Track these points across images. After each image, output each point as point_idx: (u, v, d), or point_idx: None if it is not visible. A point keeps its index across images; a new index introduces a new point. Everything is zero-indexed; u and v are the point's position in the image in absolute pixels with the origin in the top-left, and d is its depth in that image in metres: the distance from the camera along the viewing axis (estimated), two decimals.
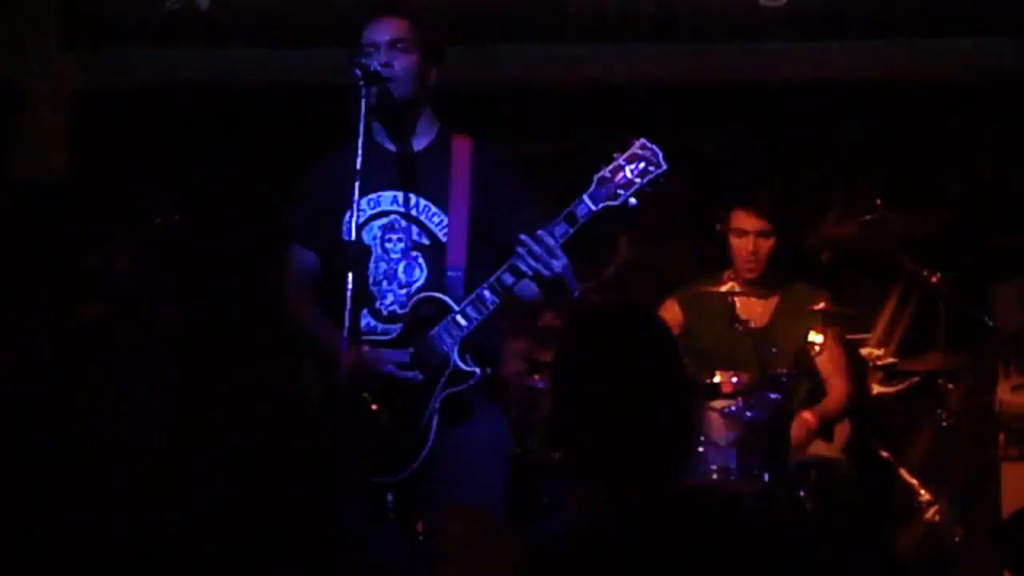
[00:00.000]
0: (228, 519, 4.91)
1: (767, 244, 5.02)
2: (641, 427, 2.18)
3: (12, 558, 4.25)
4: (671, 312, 5.09)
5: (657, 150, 3.38)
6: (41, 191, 4.78)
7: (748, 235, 5.01)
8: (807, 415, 4.88)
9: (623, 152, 3.39)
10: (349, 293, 3.32)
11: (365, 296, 3.51)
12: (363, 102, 3.46)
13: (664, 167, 3.37)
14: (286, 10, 5.23)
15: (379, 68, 3.51)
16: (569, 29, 5.30)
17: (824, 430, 5.01)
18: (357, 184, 3.39)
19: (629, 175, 3.37)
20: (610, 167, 3.38)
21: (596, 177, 3.39)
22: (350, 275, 3.34)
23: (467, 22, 5.28)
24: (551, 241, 3.37)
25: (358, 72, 3.48)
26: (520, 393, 5.04)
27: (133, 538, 4.65)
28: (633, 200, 3.37)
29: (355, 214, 3.41)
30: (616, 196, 3.37)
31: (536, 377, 5.08)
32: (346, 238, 3.47)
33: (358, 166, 3.39)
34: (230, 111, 5.48)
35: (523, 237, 3.38)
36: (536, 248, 3.37)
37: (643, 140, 3.40)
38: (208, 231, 5.56)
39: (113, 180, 5.40)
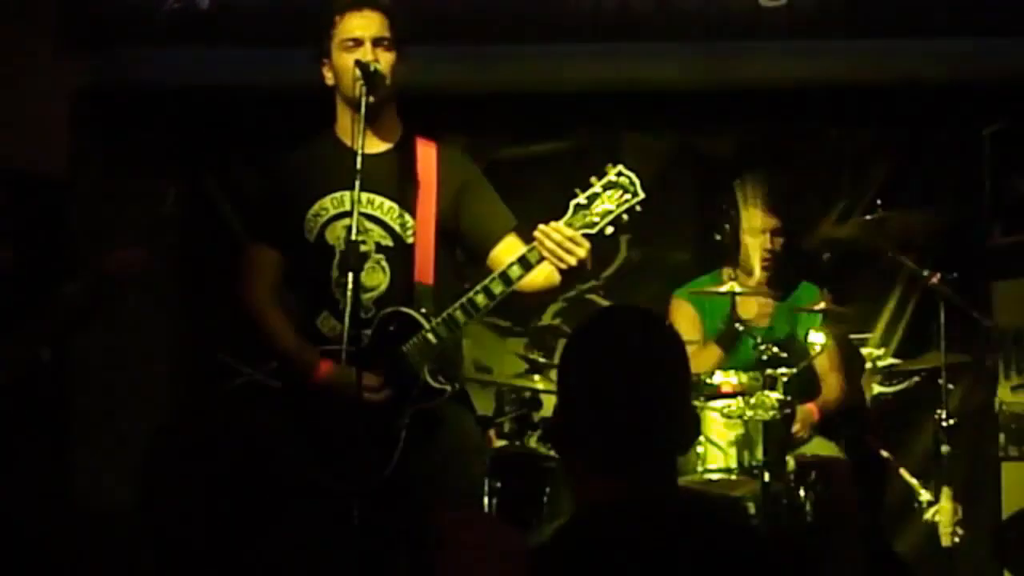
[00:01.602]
0: (216, 518, 4.90)
1: (780, 242, 5.02)
2: (644, 428, 2.18)
3: (11, 558, 4.25)
4: (685, 310, 5.05)
5: (635, 178, 3.30)
6: (42, 185, 4.77)
7: (764, 233, 5.01)
8: (810, 406, 4.89)
9: (600, 177, 3.32)
10: (349, 299, 3.27)
11: (329, 299, 3.46)
12: (363, 102, 3.44)
13: (641, 195, 3.29)
14: (286, 10, 5.23)
15: (379, 68, 3.48)
16: (569, 29, 5.30)
17: (824, 427, 5.02)
18: (358, 183, 3.36)
19: (606, 203, 3.30)
20: (586, 194, 3.31)
21: (573, 204, 3.31)
22: (350, 278, 3.30)
23: (466, 22, 5.28)
24: (567, 231, 3.29)
25: (358, 71, 3.46)
26: (520, 393, 5.04)
27: (130, 537, 4.65)
28: (610, 228, 3.32)
29: (355, 216, 3.35)
30: (592, 224, 3.30)
31: (536, 377, 5.08)
32: (346, 242, 3.45)
33: (358, 167, 3.36)
34: (230, 111, 5.48)
35: (542, 228, 3.31)
36: (555, 236, 3.30)
37: (620, 167, 3.32)
38: (207, 231, 5.56)
39: (113, 180, 5.40)
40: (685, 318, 5.00)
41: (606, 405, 2.17)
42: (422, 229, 3.56)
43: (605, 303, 5.62)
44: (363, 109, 3.42)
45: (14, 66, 5.30)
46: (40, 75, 5.33)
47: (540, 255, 3.34)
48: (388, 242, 3.57)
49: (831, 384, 5.06)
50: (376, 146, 3.61)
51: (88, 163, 5.36)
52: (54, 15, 5.37)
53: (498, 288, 3.40)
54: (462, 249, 3.65)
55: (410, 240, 3.56)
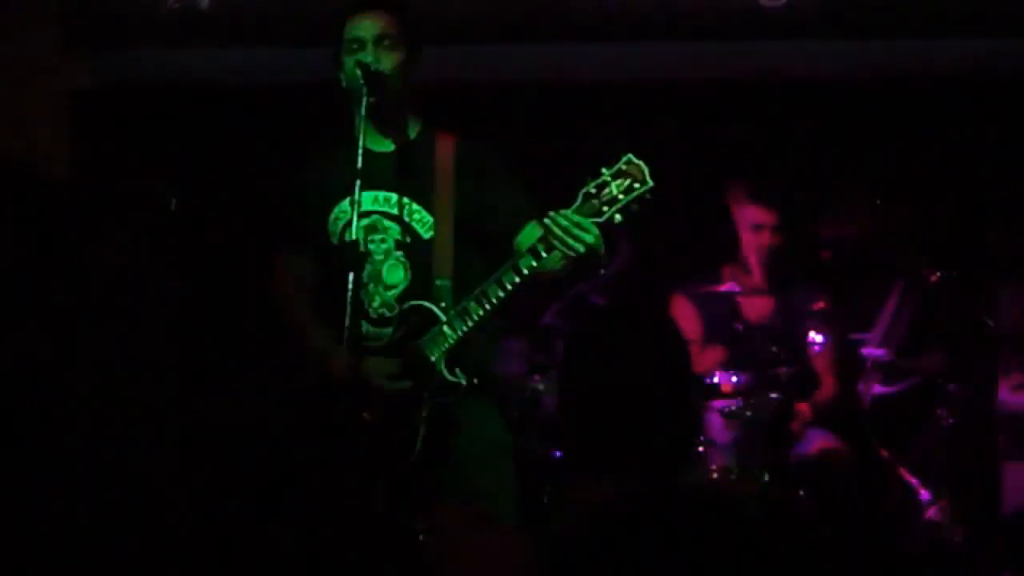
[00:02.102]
0: (223, 516, 4.91)
1: (779, 239, 5.04)
2: (646, 427, 2.18)
3: (11, 559, 4.25)
4: (684, 309, 5.07)
5: (644, 166, 3.30)
6: (42, 184, 4.78)
7: (764, 230, 5.03)
8: (802, 406, 4.91)
9: (610, 167, 3.32)
10: (349, 295, 3.31)
11: (353, 299, 3.47)
12: (363, 102, 3.46)
13: (650, 184, 3.28)
14: (286, 10, 5.23)
15: (379, 67, 3.49)
16: (569, 29, 5.30)
17: (821, 421, 5.04)
18: (358, 184, 3.38)
19: (615, 191, 3.29)
20: (596, 182, 3.31)
21: (582, 192, 3.31)
22: (350, 277, 3.32)
23: (467, 22, 5.28)
24: (574, 217, 3.30)
25: (358, 72, 3.47)
26: (520, 393, 5.04)
27: (130, 538, 4.65)
28: (618, 217, 3.30)
29: (355, 215, 3.38)
30: (601, 212, 3.29)
31: (536, 377, 5.08)
32: (347, 240, 3.49)
33: (359, 165, 3.38)
34: (230, 111, 5.48)
35: (550, 215, 3.32)
36: (562, 223, 3.30)
37: (630, 156, 3.32)
38: (208, 231, 5.56)
39: (113, 180, 5.40)
40: (685, 317, 5.02)
41: (607, 405, 2.18)
42: (441, 224, 3.56)
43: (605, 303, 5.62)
44: (363, 108, 3.44)
45: (15, 66, 5.31)
46: (40, 75, 5.34)
47: (550, 244, 3.35)
48: (407, 239, 3.57)
49: (825, 385, 5.07)
50: (389, 144, 3.63)
51: (88, 163, 5.37)
52: (55, 15, 5.38)
53: (511, 280, 3.41)
54: (488, 240, 3.64)
55: (428, 236, 3.57)
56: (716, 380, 4.74)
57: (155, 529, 4.79)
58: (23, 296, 4.35)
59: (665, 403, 2.21)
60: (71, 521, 4.44)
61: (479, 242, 3.59)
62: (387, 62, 3.53)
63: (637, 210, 3.31)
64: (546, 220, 3.33)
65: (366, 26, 3.55)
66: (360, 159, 3.37)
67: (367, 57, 3.51)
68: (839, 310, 5.06)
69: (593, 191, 3.32)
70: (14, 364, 4.25)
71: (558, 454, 4.91)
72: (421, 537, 3.56)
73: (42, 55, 5.35)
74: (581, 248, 3.31)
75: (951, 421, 4.90)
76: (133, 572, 4.57)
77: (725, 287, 4.99)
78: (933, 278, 4.96)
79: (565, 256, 3.34)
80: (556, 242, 3.32)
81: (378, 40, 3.54)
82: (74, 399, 4.69)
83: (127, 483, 4.84)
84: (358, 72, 3.47)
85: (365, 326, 3.52)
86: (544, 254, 3.36)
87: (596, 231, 3.30)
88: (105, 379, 5.50)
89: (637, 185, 3.30)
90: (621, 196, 3.30)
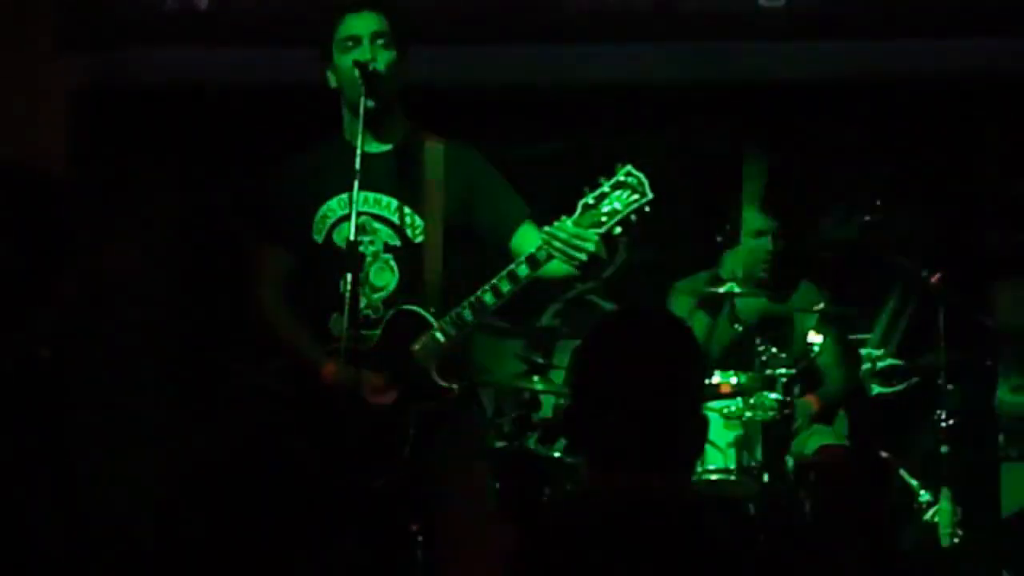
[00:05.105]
0: (221, 519, 4.92)
1: (781, 244, 5.05)
2: (655, 430, 2.18)
3: (11, 559, 4.26)
4: (683, 303, 5.07)
5: (644, 178, 3.29)
6: (41, 184, 4.78)
7: (765, 235, 5.03)
8: (809, 397, 4.92)
9: (609, 177, 3.31)
10: (348, 297, 3.29)
11: (339, 300, 3.42)
12: (361, 102, 3.45)
13: (650, 196, 3.28)
14: (286, 10, 5.23)
15: (376, 66, 3.48)
16: (569, 29, 5.30)
17: (825, 416, 5.04)
18: (357, 184, 3.37)
19: (615, 203, 3.29)
20: (595, 193, 3.30)
21: (580, 203, 3.31)
22: (348, 277, 3.32)
23: (467, 23, 5.28)
24: (574, 228, 3.30)
25: (355, 70, 3.47)
26: (519, 394, 5.04)
27: (131, 538, 4.66)
28: (618, 229, 3.31)
29: (353, 215, 3.37)
30: (600, 224, 3.29)
31: (535, 378, 5.08)
32: (336, 240, 3.50)
33: (357, 167, 3.37)
34: (230, 111, 5.48)
35: (546, 230, 3.33)
36: (562, 235, 3.30)
37: (629, 167, 3.31)
38: (207, 231, 5.56)
39: (112, 180, 5.40)
40: (683, 311, 5.02)
41: (620, 406, 2.17)
42: (430, 228, 3.54)
43: (604, 303, 5.62)
44: (361, 108, 3.43)
45: (14, 65, 5.31)
46: (40, 75, 5.33)
47: (548, 253, 3.34)
48: (396, 242, 3.55)
49: (834, 377, 5.08)
50: (381, 145, 3.61)
51: (87, 162, 5.36)
52: (54, 15, 5.38)
53: (506, 287, 3.40)
54: (479, 244, 3.63)
55: (418, 239, 3.55)
56: (716, 380, 4.73)
57: (152, 529, 4.79)
58: (23, 295, 4.35)
59: (678, 405, 2.20)
60: (69, 520, 4.44)
61: (468, 246, 3.59)
62: (383, 60, 3.52)
63: (636, 221, 3.31)
64: (545, 231, 3.33)
65: (362, 24, 3.53)
66: (358, 160, 3.36)
67: (364, 55, 3.49)
68: (839, 310, 5.06)
69: (592, 202, 3.31)
70: (14, 363, 4.25)
71: (557, 454, 4.92)
72: (419, 538, 3.57)
73: (41, 55, 5.34)
74: (583, 257, 3.31)
75: (951, 421, 4.89)
76: (130, 572, 4.57)
77: (724, 287, 4.99)
78: (933, 278, 4.95)
79: (565, 263, 3.35)
80: (557, 253, 3.32)
81: (374, 38, 3.53)
82: (73, 397, 4.69)
83: (124, 480, 4.84)
84: (355, 71, 3.46)
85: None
86: (542, 262, 3.36)
87: (595, 238, 3.30)
88: (104, 378, 5.50)
89: (637, 197, 3.29)
90: (620, 208, 3.30)
